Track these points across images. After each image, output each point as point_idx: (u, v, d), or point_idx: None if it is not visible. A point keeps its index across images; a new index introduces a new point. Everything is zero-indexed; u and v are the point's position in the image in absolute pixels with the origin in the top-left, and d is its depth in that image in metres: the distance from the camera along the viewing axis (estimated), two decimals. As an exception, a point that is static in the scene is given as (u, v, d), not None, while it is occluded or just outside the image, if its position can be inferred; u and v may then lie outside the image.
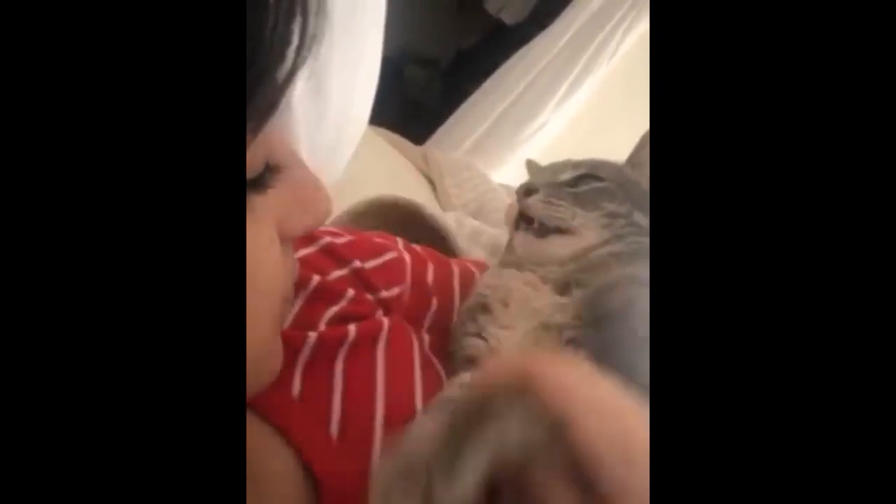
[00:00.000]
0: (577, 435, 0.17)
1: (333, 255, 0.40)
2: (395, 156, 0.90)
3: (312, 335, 0.33)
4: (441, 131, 1.53)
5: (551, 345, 0.33)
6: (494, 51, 1.57)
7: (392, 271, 0.42)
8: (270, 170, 0.24)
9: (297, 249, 0.39)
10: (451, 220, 0.60)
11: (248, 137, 0.20)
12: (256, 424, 0.30)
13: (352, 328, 0.35)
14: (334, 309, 0.36)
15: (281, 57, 0.19)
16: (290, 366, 0.32)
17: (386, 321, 0.37)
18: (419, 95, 1.92)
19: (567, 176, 0.41)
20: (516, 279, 0.38)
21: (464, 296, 0.43)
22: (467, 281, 0.45)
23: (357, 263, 0.40)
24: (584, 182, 0.40)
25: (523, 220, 0.40)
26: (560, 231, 0.38)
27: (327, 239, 0.40)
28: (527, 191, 0.40)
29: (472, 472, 0.18)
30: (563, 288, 0.36)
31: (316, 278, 0.37)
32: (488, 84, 1.49)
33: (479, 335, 0.36)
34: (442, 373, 0.37)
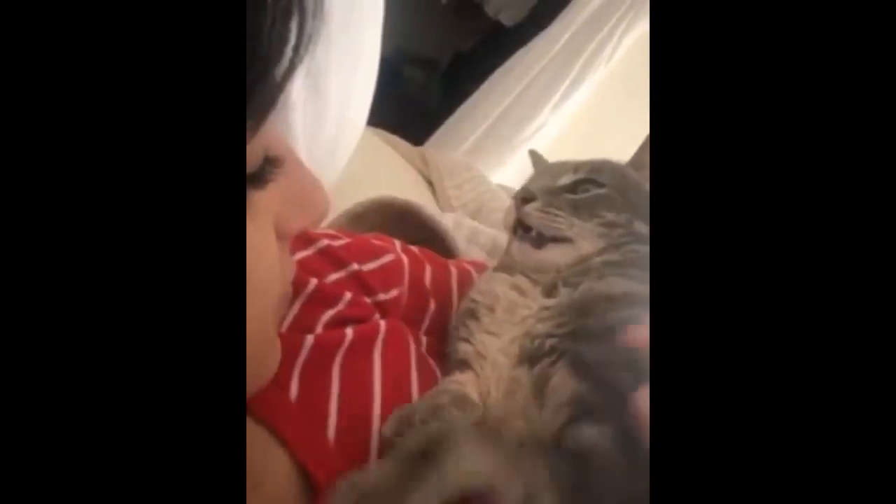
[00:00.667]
0: None
1: (331, 258, 0.40)
2: (393, 156, 0.90)
3: (309, 338, 0.33)
4: (440, 132, 1.53)
5: (534, 354, 0.33)
6: (493, 52, 1.57)
7: (390, 274, 0.41)
8: (268, 166, 0.24)
9: (294, 252, 0.39)
10: (450, 221, 0.60)
11: (247, 135, 0.20)
12: (253, 427, 0.30)
13: (349, 331, 0.35)
14: (331, 312, 0.36)
15: (279, 55, 0.19)
16: (288, 368, 0.32)
17: (383, 324, 0.37)
18: (418, 96, 1.92)
19: (566, 180, 0.41)
20: (505, 284, 0.38)
21: (461, 297, 0.43)
22: (465, 282, 0.45)
23: (355, 266, 0.40)
24: (583, 188, 0.40)
25: (521, 227, 0.40)
26: (557, 240, 0.38)
27: (325, 241, 0.40)
28: (524, 198, 0.40)
29: None
30: (551, 289, 0.36)
31: (313, 281, 0.37)
32: (487, 85, 1.49)
33: (467, 340, 0.37)
34: (438, 374, 0.37)
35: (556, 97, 1.44)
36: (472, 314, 0.38)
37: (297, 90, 0.40)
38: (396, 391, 0.34)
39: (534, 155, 0.50)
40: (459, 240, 0.56)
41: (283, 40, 0.19)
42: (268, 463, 0.29)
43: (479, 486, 0.23)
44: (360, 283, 0.39)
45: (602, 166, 0.42)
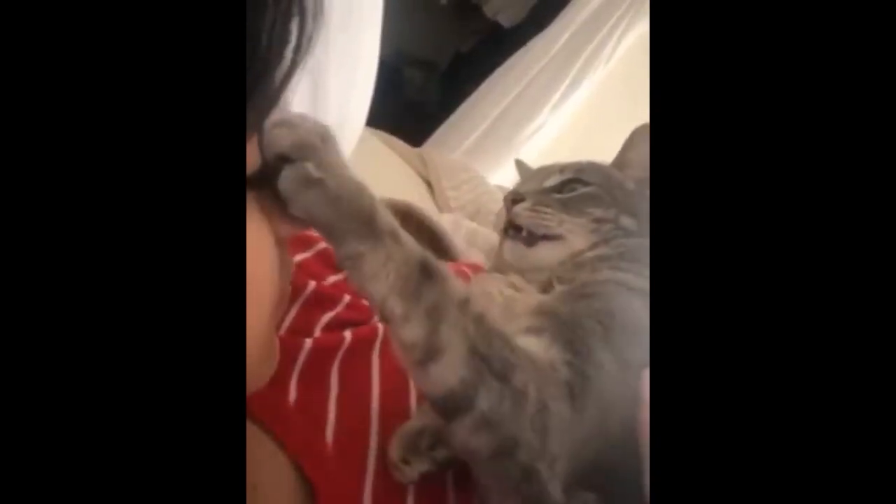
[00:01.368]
0: None
1: (330, 260, 0.40)
2: (392, 157, 0.90)
3: (308, 341, 0.33)
4: (439, 133, 1.53)
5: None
6: (492, 53, 1.57)
7: None
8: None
9: (293, 254, 0.38)
10: (448, 223, 0.60)
11: (247, 135, 0.21)
12: (252, 429, 0.30)
13: (347, 334, 0.35)
14: (330, 314, 0.36)
15: (279, 56, 0.19)
16: (287, 371, 0.32)
17: (381, 326, 0.37)
18: (417, 97, 1.92)
19: (554, 181, 0.42)
20: (500, 282, 0.38)
21: None
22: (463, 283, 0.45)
23: None
24: (570, 187, 0.41)
25: (512, 228, 0.40)
26: (548, 238, 0.39)
27: (324, 244, 0.40)
28: (514, 199, 0.41)
29: None
30: (546, 286, 0.37)
31: (312, 284, 0.37)
32: (486, 86, 1.49)
33: None
34: None
35: (555, 97, 1.44)
36: None
37: (297, 92, 0.40)
38: (395, 394, 0.34)
39: (520, 165, 0.51)
40: (458, 241, 0.56)
41: (284, 41, 0.19)
42: (266, 465, 0.29)
43: None
44: None
45: (586, 167, 0.43)
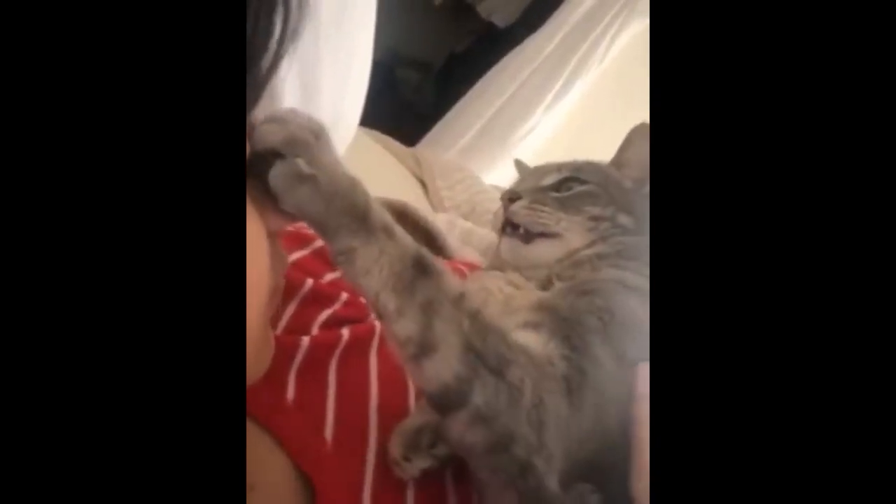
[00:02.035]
0: None
1: (326, 258, 0.39)
2: (386, 157, 0.90)
3: (305, 339, 0.33)
4: (433, 133, 1.53)
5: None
6: (486, 53, 1.57)
7: None
8: (257, 161, 0.24)
9: (290, 252, 0.38)
10: (443, 222, 0.60)
11: None
12: (251, 428, 0.30)
13: (345, 332, 0.35)
14: (328, 312, 0.36)
15: (263, 49, 0.19)
16: (284, 369, 0.32)
17: (378, 324, 0.37)
18: (411, 97, 1.92)
19: (551, 180, 0.42)
20: (499, 279, 0.38)
21: None
22: None
23: None
24: (567, 186, 0.41)
25: (509, 225, 0.41)
26: (545, 236, 0.39)
27: (320, 242, 0.40)
28: (511, 197, 0.41)
29: None
30: (546, 284, 0.37)
31: (309, 282, 0.37)
32: (480, 86, 1.50)
33: None
34: None
35: (549, 98, 1.45)
36: None
37: (289, 90, 0.40)
38: (393, 391, 0.34)
39: (519, 164, 0.51)
40: (453, 240, 0.56)
41: (268, 34, 0.19)
42: (265, 463, 0.29)
43: None
44: None
45: (583, 165, 0.43)
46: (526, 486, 0.25)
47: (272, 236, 0.26)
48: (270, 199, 0.24)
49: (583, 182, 0.41)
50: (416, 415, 0.32)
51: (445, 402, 0.25)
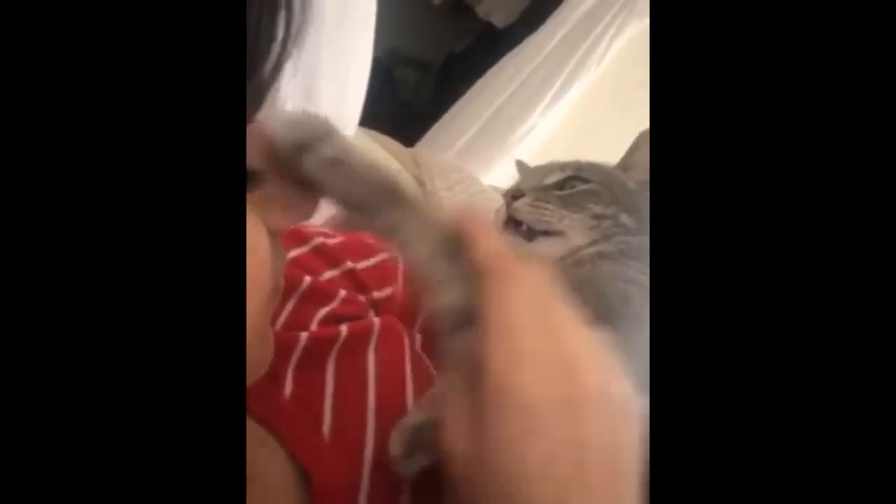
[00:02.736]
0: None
1: (325, 256, 0.40)
2: (384, 157, 0.90)
3: (304, 335, 0.33)
4: (431, 133, 1.53)
5: None
6: (485, 53, 1.57)
7: (384, 272, 0.42)
8: (274, 161, 0.24)
9: (289, 249, 0.39)
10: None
11: None
12: (249, 423, 0.30)
13: (343, 328, 0.35)
14: (326, 309, 0.37)
15: (266, 50, 0.19)
16: (283, 366, 0.32)
17: (377, 321, 0.37)
18: (410, 97, 1.92)
19: (554, 178, 0.42)
20: None
21: None
22: None
23: (349, 264, 0.40)
24: (570, 184, 0.41)
25: (511, 223, 0.41)
26: (548, 233, 0.39)
27: (319, 239, 0.41)
28: (514, 195, 0.41)
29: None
30: None
31: (307, 279, 0.37)
32: (478, 86, 1.50)
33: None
34: (433, 372, 0.38)
35: (548, 98, 1.45)
36: None
37: (291, 92, 0.40)
38: (391, 388, 0.34)
39: (520, 165, 0.51)
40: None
41: (271, 36, 0.19)
42: (264, 459, 0.29)
43: None
44: (354, 281, 0.40)
45: (587, 165, 0.43)
46: None
47: (273, 235, 0.26)
48: (272, 199, 0.24)
49: (585, 181, 0.41)
50: (416, 412, 0.32)
51: None
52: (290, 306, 0.36)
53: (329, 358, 0.34)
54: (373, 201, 0.25)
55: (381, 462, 0.30)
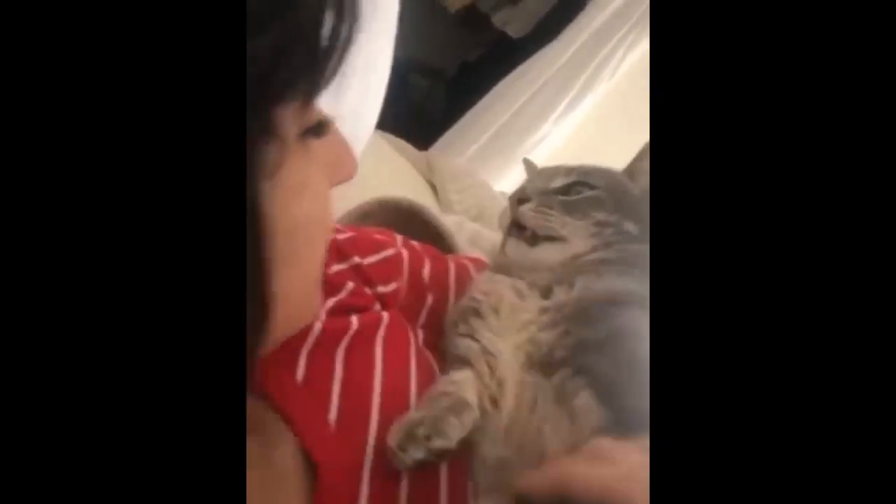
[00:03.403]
0: None
1: (334, 250, 0.41)
2: (399, 159, 0.92)
3: (318, 323, 0.34)
4: (442, 140, 1.54)
5: (546, 362, 0.34)
6: (498, 63, 1.59)
7: (389, 267, 0.43)
8: (322, 124, 0.27)
9: None
10: (452, 223, 0.62)
11: (306, 102, 0.25)
12: (265, 406, 0.31)
13: (354, 319, 0.36)
14: (334, 299, 0.38)
15: (337, 37, 0.23)
16: (296, 351, 0.33)
17: (385, 315, 0.38)
18: (422, 104, 1.94)
19: (559, 183, 0.42)
20: (507, 287, 0.39)
21: (459, 293, 0.44)
22: (463, 278, 0.47)
23: (356, 259, 0.41)
24: (575, 190, 0.41)
25: (516, 227, 0.41)
26: (550, 239, 0.40)
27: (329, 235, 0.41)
28: (519, 199, 0.41)
29: None
30: (547, 291, 0.38)
31: None
32: (491, 95, 1.51)
33: (471, 336, 0.38)
34: (436, 368, 0.39)
35: (559, 110, 1.46)
36: (476, 312, 0.39)
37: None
38: (396, 381, 0.35)
39: (527, 163, 0.52)
40: (462, 242, 0.58)
41: (337, 33, 0.23)
42: (277, 440, 0.30)
43: None
44: (361, 275, 0.41)
45: (593, 170, 0.43)
46: None
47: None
48: (331, 154, 0.27)
49: (591, 187, 0.41)
50: (416, 408, 0.33)
51: None
52: None
53: (339, 348, 0.35)
54: None
55: (383, 453, 0.31)
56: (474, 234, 0.65)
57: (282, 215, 0.24)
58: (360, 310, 0.38)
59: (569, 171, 0.43)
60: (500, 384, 0.34)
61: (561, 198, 0.41)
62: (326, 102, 0.26)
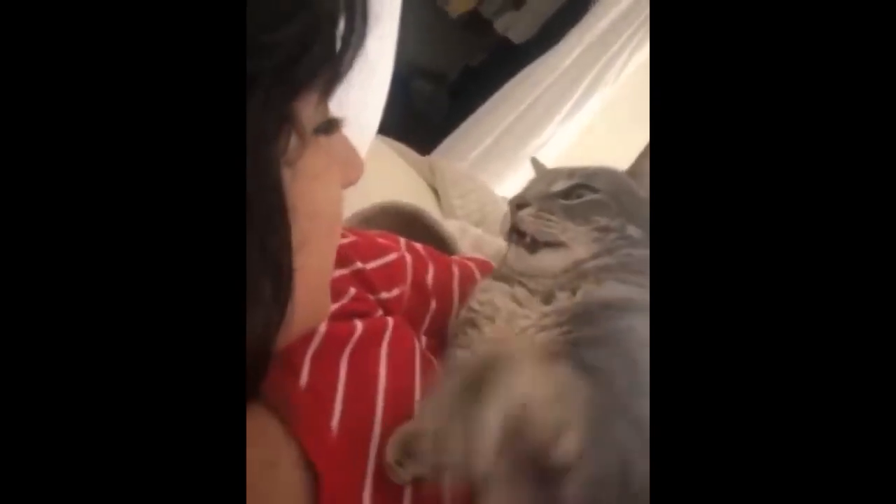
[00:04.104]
0: None
1: (337, 255, 0.41)
2: (400, 164, 0.92)
3: (322, 327, 0.34)
4: (445, 144, 1.54)
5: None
6: (501, 68, 1.59)
7: (392, 272, 0.42)
8: (332, 122, 0.28)
9: None
10: (455, 228, 0.62)
11: (322, 97, 0.26)
12: (269, 410, 0.31)
13: (358, 324, 0.36)
14: (336, 305, 0.37)
15: (350, 34, 0.25)
16: (301, 355, 0.33)
17: (391, 320, 0.38)
18: (424, 108, 1.94)
19: (561, 186, 0.41)
20: (504, 294, 0.38)
21: (463, 298, 0.44)
22: (467, 282, 0.46)
23: (359, 264, 0.41)
24: (577, 193, 0.40)
25: (515, 233, 0.40)
26: (550, 245, 0.39)
27: None
28: (518, 204, 0.40)
29: (494, 420, 0.24)
30: (548, 297, 0.37)
31: None
32: (493, 100, 1.51)
33: (467, 348, 0.37)
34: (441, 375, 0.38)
35: (562, 115, 1.46)
36: (472, 323, 0.38)
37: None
38: (400, 388, 0.35)
39: (535, 162, 0.51)
40: (464, 247, 0.57)
41: (350, 31, 0.24)
42: (281, 445, 0.30)
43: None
44: (364, 281, 0.40)
45: (597, 172, 0.42)
46: None
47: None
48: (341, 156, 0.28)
49: (594, 190, 0.40)
50: (415, 420, 0.32)
51: None
52: None
53: (343, 353, 0.34)
54: None
55: (384, 463, 0.31)
56: (477, 239, 0.65)
57: (303, 201, 0.26)
58: (362, 315, 0.38)
59: (571, 173, 0.42)
60: None
61: (562, 202, 0.40)
62: (329, 105, 0.26)
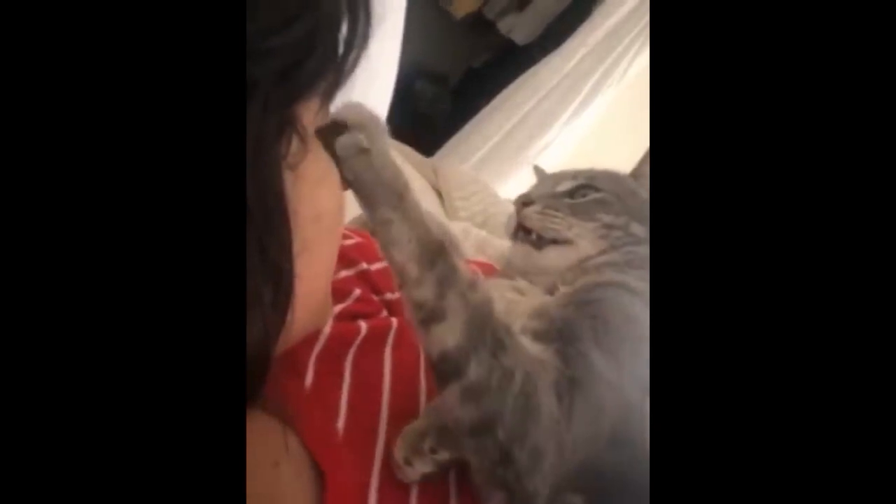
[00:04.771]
0: None
1: (341, 256, 0.41)
2: (404, 166, 0.91)
3: (327, 329, 0.34)
4: (448, 146, 1.54)
5: (535, 334, 0.34)
6: (504, 70, 1.59)
7: None
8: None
9: None
10: (458, 230, 0.62)
11: (324, 100, 0.27)
12: (273, 411, 0.31)
13: (363, 325, 0.36)
14: (340, 306, 0.37)
15: (353, 36, 0.25)
16: (305, 356, 0.33)
17: (395, 321, 0.38)
18: (427, 110, 1.94)
19: (565, 186, 0.42)
20: (502, 287, 0.39)
21: None
22: None
23: (363, 265, 0.41)
24: (581, 192, 0.41)
25: (521, 230, 0.41)
26: (557, 242, 0.39)
27: None
28: (524, 202, 0.41)
29: None
30: (552, 289, 0.37)
31: None
32: (496, 102, 1.51)
33: None
34: None
35: (565, 116, 1.46)
36: None
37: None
38: (405, 388, 0.35)
39: (537, 170, 0.51)
40: (468, 248, 0.57)
41: (353, 34, 0.24)
42: (285, 445, 0.30)
43: None
44: (368, 282, 0.40)
45: (600, 173, 0.43)
46: (505, 477, 0.27)
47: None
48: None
49: (597, 190, 0.41)
50: (422, 419, 0.32)
51: (444, 368, 0.28)
52: None
53: (348, 354, 0.34)
54: (378, 194, 0.28)
55: (390, 462, 0.31)
56: (481, 240, 0.65)
57: (304, 205, 0.26)
58: (366, 316, 0.38)
59: (575, 174, 0.43)
60: None
61: (568, 201, 0.41)
62: (332, 108, 0.26)
